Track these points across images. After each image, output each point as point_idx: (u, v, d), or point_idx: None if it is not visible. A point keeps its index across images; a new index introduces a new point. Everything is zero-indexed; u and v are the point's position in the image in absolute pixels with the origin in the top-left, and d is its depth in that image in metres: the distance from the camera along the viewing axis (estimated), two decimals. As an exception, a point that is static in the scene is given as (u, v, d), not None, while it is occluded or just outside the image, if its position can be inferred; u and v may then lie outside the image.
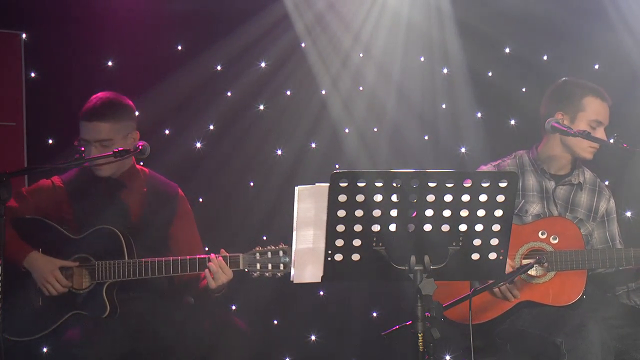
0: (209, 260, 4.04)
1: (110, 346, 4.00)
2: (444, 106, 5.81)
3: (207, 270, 4.04)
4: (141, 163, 4.44)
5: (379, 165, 5.54)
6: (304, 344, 5.64)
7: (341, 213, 3.01)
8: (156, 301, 4.22)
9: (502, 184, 3.04)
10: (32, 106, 5.22)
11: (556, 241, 4.18)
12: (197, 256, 4.07)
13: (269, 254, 4.03)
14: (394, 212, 3.03)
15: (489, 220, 3.07)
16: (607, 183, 4.79)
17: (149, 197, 4.33)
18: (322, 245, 3.06)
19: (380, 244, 3.06)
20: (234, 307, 5.38)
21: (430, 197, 3.02)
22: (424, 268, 3.06)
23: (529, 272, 4.14)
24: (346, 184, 2.99)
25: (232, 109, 5.56)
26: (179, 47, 5.48)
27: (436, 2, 5.66)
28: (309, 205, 3.11)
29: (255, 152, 5.62)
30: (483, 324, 4.17)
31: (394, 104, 5.74)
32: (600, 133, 4.31)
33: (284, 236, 4.04)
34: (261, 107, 5.61)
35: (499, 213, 3.06)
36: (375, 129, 5.78)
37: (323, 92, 5.67)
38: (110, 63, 5.34)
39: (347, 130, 5.70)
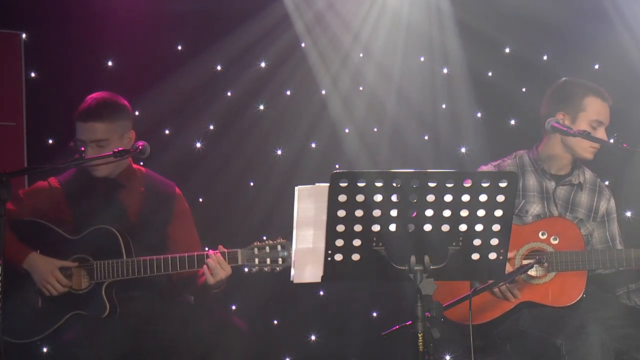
0: (208, 256, 4.04)
1: (110, 346, 4.01)
2: (444, 106, 5.81)
3: (205, 266, 4.04)
4: (141, 163, 4.44)
5: (379, 165, 5.54)
6: (304, 344, 5.64)
7: (341, 213, 3.01)
8: (155, 300, 4.22)
9: (502, 184, 3.04)
10: (32, 106, 5.21)
11: (556, 242, 4.18)
12: (196, 253, 4.07)
13: (267, 248, 4.04)
14: (394, 212, 3.03)
15: (489, 220, 3.07)
16: (607, 183, 4.78)
17: (147, 196, 4.33)
18: (322, 245, 3.06)
19: (380, 244, 3.06)
20: (233, 307, 5.39)
21: (430, 197, 3.02)
22: (424, 268, 3.06)
23: (529, 273, 4.14)
24: (346, 184, 2.99)
25: (232, 109, 5.56)
26: (179, 47, 5.48)
27: (436, 2, 5.66)
28: (309, 205, 3.11)
29: (255, 152, 5.62)
30: (483, 324, 4.17)
31: (394, 104, 5.74)
32: (601, 133, 4.31)
33: (284, 236, 4.05)
34: (261, 107, 5.60)
35: (499, 213, 3.06)
36: (375, 129, 5.78)
37: (323, 92, 5.67)
38: (110, 63, 5.34)
39: (347, 130, 5.70)
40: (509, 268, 4.02)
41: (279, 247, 4.04)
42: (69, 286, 4.13)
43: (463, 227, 3.07)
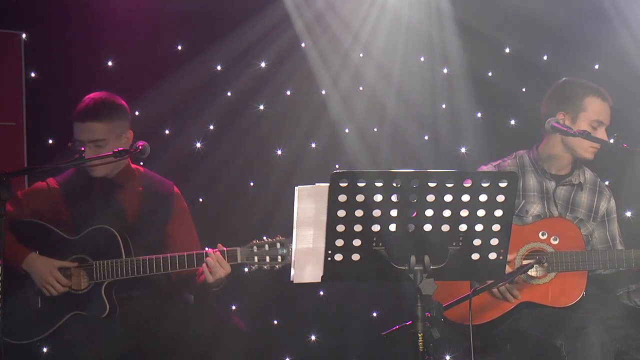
0: (207, 255, 4.04)
1: (110, 345, 4.01)
2: (444, 106, 5.81)
3: (204, 265, 4.04)
4: (141, 163, 4.44)
5: (379, 165, 5.54)
6: (304, 344, 5.64)
7: (341, 213, 3.01)
8: (155, 299, 4.22)
9: (502, 184, 3.04)
10: (32, 106, 5.21)
11: (557, 242, 4.18)
12: (195, 252, 4.07)
13: (267, 246, 4.03)
14: (394, 212, 3.03)
15: (489, 220, 3.07)
16: (607, 183, 4.78)
17: (145, 195, 4.33)
18: (322, 245, 3.06)
19: (380, 244, 3.06)
20: (233, 307, 5.38)
21: (430, 197, 3.02)
22: (424, 268, 3.06)
23: (529, 273, 4.14)
24: (346, 184, 2.99)
25: (232, 109, 5.56)
26: (179, 47, 5.48)
27: (436, 2, 5.66)
28: (309, 205, 3.11)
29: (255, 152, 5.62)
30: (483, 324, 4.17)
31: (394, 104, 5.74)
32: (601, 133, 4.31)
33: (283, 234, 4.05)
34: (261, 107, 5.60)
35: (499, 213, 3.06)
36: (375, 129, 5.78)
37: (323, 92, 5.67)
38: (110, 63, 5.34)
39: (347, 130, 5.70)
40: (508, 270, 4.02)
41: (278, 245, 4.04)
42: (69, 286, 4.13)
43: (463, 227, 3.07)
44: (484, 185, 3.03)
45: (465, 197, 3.03)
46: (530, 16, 5.58)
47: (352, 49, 5.68)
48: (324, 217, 3.03)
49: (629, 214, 5.44)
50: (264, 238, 4.08)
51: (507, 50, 5.80)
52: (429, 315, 3.06)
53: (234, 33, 5.41)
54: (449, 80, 5.80)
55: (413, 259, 3.06)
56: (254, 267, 4.05)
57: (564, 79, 4.48)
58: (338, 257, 3.07)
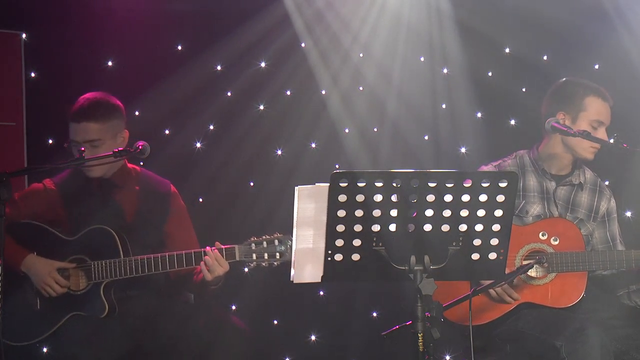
0: (205, 253, 4.04)
1: (110, 345, 4.01)
2: (444, 106, 5.80)
3: (202, 263, 4.03)
4: (141, 163, 4.44)
5: (379, 165, 5.54)
6: (304, 344, 5.63)
7: (341, 213, 3.01)
8: (154, 299, 4.21)
9: (502, 184, 3.04)
10: (32, 106, 5.21)
11: (557, 242, 4.17)
12: (193, 250, 4.07)
13: (265, 243, 4.03)
14: (394, 212, 3.03)
15: (489, 220, 3.06)
16: (607, 183, 4.78)
17: (142, 195, 4.32)
18: (322, 245, 3.06)
19: (380, 244, 3.06)
20: (233, 307, 5.38)
21: (430, 197, 3.02)
22: (424, 268, 3.06)
23: (529, 274, 4.14)
24: (346, 184, 2.98)
25: (232, 109, 5.56)
26: (179, 47, 5.48)
27: (436, 2, 5.66)
28: (308, 205, 3.11)
29: (255, 152, 5.61)
30: (483, 325, 4.16)
31: (394, 104, 5.74)
32: (601, 133, 4.31)
33: (281, 231, 4.04)
34: (261, 107, 5.60)
35: (499, 213, 3.06)
36: (375, 129, 5.78)
37: (323, 92, 5.67)
38: (110, 63, 5.34)
39: (347, 130, 5.70)
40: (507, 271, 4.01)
41: (277, 242, 4.03)
42: (68, 287, 4.13)
43: (463, 227, 3.07)
44: (484, 185, 3.03)
45: (465, 197, 3.03)
46: (530, 16, 5.58)
47: (352, 49, 5.68)
48: (324, 217, 3.03)
49: (629, 214, 5.44)
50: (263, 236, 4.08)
51: (507, 50, 5.80)
52: (429, 315, 3.06)
53: (234, 33, 5.41)
54: (449, 80, 5.80)
55: (413, 259, 3.06)
56: (252, 265, 4.04)
57: (564, 79, 4.48)
58: (338, 257, 3.07)
